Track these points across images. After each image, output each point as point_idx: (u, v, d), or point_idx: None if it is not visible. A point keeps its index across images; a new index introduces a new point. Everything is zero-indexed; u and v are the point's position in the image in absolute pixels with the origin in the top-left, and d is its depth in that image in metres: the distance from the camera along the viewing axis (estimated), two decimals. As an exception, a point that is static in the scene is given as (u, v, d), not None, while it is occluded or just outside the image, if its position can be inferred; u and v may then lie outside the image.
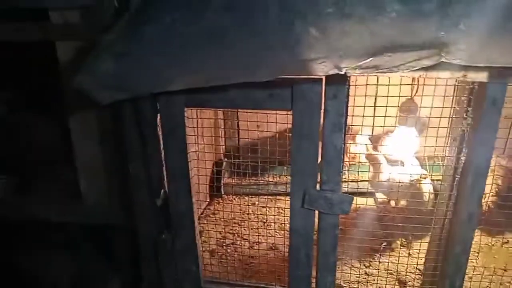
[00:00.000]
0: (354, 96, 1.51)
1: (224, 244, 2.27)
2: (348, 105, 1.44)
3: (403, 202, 2.33)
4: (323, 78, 1.32)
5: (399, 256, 2.02)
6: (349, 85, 1.40)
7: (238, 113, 2.79)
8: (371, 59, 1.09)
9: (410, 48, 1.07)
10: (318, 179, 1.50)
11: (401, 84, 1.54)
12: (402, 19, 1.04)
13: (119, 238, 1.94)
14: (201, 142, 2.27)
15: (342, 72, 1.17)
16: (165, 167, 1.54)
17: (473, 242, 1.67)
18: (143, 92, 1.31)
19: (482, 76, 1.25)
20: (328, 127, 1.40)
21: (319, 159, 1.47)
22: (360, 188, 2.46)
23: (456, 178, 1.47)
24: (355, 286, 1.86)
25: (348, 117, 1.40)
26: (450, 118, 1.55)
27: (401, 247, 2.20)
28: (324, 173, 1.48)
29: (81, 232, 1.99)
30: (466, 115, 1.39)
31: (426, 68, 1.18)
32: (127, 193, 1.69)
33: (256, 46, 1.14)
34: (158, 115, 1.47)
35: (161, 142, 1.51)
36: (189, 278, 1.75)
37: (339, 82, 1.31)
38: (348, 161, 2.67)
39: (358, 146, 2.60)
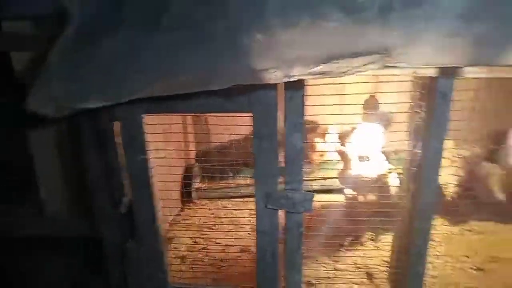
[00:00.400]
0: (319, 95, 1.53)
1: (195, 249, 2.25)
2: (306, 104, 1.47)
3: (371, 197, 2.37)
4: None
5: (364, 249, 2.06)
6: (305, 86, 1.42)
7: (208, 117, 2.78)
8: (319, 66, 1.13)
9: (354, 54, 1.12)
10: (281, 179, 1.52)
11: (359, 82, 1.58)
12: (345, 27, 1.09)
13: (85, 248, 1.90)
14: (170, 147, 2.26)
15: (294, 80, 1.20)
16: (126, 175, 1.52)
17: (438, 232, 1.74)
18: (97, 104, 1.30)
19: (431, 72, 1.30)
20: (288, 128, 1.42)
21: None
22: (329, 185, 2.51)
23: (413, 170, 1.51)
24: (325, 282, 1.88)
25: (317, 115, 1.42)
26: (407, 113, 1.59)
27: (370, 241, 2.25)
28: (286, 173, 1.50)
29: (44, 244, 1.94)
30: (418, 109, 1.43)
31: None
32: (89, 203, 1.66)
33: (209, 58, 1.16)
34: (117, 122, 1.45)
35: (121, 149, 1.48)
36: (157, 285, 1.73)
37: (296, 84, 1.33)
38: (317, 159, 2.72)
39: (327, 144, 2.65)
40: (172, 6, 1.10)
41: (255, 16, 1.09)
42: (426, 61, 1.17)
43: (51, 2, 1.26)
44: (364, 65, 1.14)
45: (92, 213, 1.66)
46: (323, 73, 1.15)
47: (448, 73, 1.29)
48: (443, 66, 1.22)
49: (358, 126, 2.49)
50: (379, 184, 2.27)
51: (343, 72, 1.15)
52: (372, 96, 2.21)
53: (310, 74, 1.16)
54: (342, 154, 2.36)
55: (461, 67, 1.27)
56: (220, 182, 2.67)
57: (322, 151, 2.62)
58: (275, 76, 1.16)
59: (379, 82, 2.08)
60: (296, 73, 1.16)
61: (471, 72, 1.29)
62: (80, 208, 1.78)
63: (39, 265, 1.98)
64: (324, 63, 1.12)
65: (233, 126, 1.62)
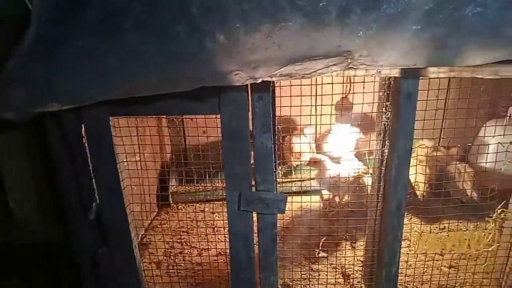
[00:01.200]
0: (292, 96, 1.54)
1: (171, 254, 2.23)
2: (276, 105, 1.48)
3: (346, 198, 2.40)
4: (248, 83, 1.34)
5: (337, 250, 2.07)
6: (274, 87, 1.43)
7: (184, 119, 2.76)
8: (282, 68, 1.14)
9: (317, 57, 1.13)
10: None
11: (332, 83, 1.59)
12: (306, 31, 1.10)
13: (57, 255, 1.86)
14: (145, 150, 2.24)
15: (258, 81, 1.22)
16: (95, 180, 1.49)
17: (413, 231, 1.76)
18: (57, 108, 1.28)
19: (395, 72, 1.32)
20: (257, 128, 1.42)
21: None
22: (306, 187, 2.52)
23: (382, 170, 1.53)
24: (301, 284, 1.88)
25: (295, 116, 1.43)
26: (375, 113, 1.61)
27: (345, 241, 2.27)
28: (258, 174, 1.50)
29: (15, 253, 1.89)
30: (385, 109, 1.46)
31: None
32: (60, 209, 1.63)
33: (173, 60, 1.16)
34: (83, 125, 1.42)
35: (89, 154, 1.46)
36: (131, 291, 1.70)
37: (264, 85, 1.33)
38: (294, 161, 2.73)
39: (303, 145, 2.66)
40: (133, 9, 1.09)
41: (217, 20, 1.10)
42: (388, 62, 1.19)
43: (11, 5, 1.23)
44: (327, 67, 1.15)
45: (63, 220, 1.63)
46: (287, 75, 1.17)
47: (412, 73, 1.31)
48: (405, 68, 1.24)
49: (333, 127, 2.52)
50: (354, 184, 2.30)
51: (307, 74, 1.17)
52: (345, 97, 2.23)
53: (274, 76, 1.17)
54: (316, 162, 2.37)
55: (424, 68, 1.29)
56: (197, 185, 2.65)
57: (299, 153, 2.64)
58: (240, 78, 1.17)
59: (352, 83, 2.11)
60: (260, 75, 1.17)
61: (434, 72, 1.32)
62: (51, 215, 1.74)
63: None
64: (286, 66, 1.14)
65: (211, 128, 1.62)
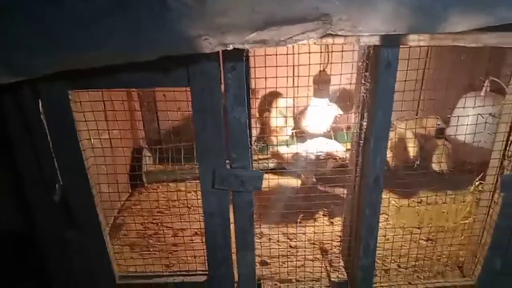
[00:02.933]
0: (267, 66, 1.46)
1: (146, 235, 2.16)
2: (250, 77, 1.39)
3: (323, 173, 2.36)
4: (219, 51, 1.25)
5: (318, 225, 2.05)
6: (247, 56, 1.34)
7: (156, 93, 2.63)
8: (255, 33, 1.05)
9: (293, 21, 1.05)
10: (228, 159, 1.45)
11: (310, 52, 1.51)
12: None
13: (22, 242, 1.76)
14: (115, 128, 2.12)
15: (229, 48, 1.12)
16: (56, 159, 1.39)
17: (390, 205, 1.74)
18: (7, 81, 1.16)
19: (375, 40, 1.26)
20: (230, 101, 1.34)
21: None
22: (283, 163, 2.47)
23: (361, 144, 1.49)
24: (279, 260, 1.85)
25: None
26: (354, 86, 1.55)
27: (323, 217, 2.25)
28: (232, 150, 1.43)
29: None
30: (364, 80, 1.40)
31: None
32: (20, 194, 1.52)
33: (131, 25, 1.04)
34: (40, 100, 1.30)
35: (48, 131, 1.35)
36: (102, 275, 1.63)
37: (237, 53, 1.24)
38: (272, 136, 2.67)
39: (278, 120, 2.59)
40: None
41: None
42: (368, 28, 1.13)
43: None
44: (304, 32, 1.07)
45: (26, 205, 1.53)
46: (260, 42, 1.08)
47: (392, 41, 1.25)
48: (386, 34, 1.18)
49: (310, 101, 2.45)
50: (331, 159, 2.27)
51: (283, 41, 1.08)
52: (323, 71, 2.16)
53: (246, 42, 1.08)
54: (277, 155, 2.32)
55: (405, 35, 1.24)
56: (172, 164, 2.55)
57: (275, 127, 2.57)
58: (209, 44, 1.07)
59: (330, 52, 2.03)
60: (231, 41, 1.08)
61: (414, 40, 1.26)
62: (12, 201, 1.63)
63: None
64: (260, 30, 1.05)
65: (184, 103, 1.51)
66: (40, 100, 1.30)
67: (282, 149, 2.33)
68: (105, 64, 1.10)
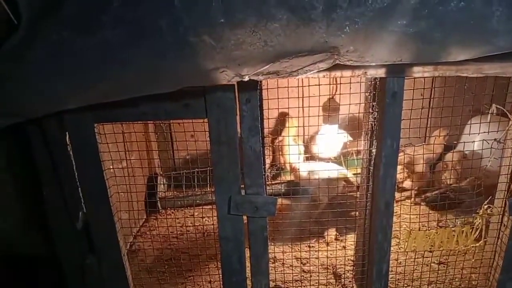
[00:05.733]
0: (279, 98, 1.54)
1: (162, 260, 2.20)
2: (263, 108, 1.47)
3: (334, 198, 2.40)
4: (235, 83, 1.33)
5: (327, 250, 2.07)
6: (261, 89, 1.43)
7: (172, 124, 2.73)
8: (268, 65, 1.13)
9: (303, 53, 1.12)
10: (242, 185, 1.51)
11: (319, 84, 1.59)
12: (292, 26, 1.08)
13: (43, 268, 1.82)
14: (132, 157, 2.20)
15: (245, 79, 1.19)
16: (81, 188, 1.47)
17: (402, 228, 1.77)
18: (35, 114, 1.25)
19: (381, 72, 1.33)
20: (245, 132, 1.42)
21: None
22: (295, 187, 2.52)
23: (371, 170, 1.54)
24: (293, 285, 1.88)
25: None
26: (362, 114, 1.62)
27: (336, 241, 2.27)
28: (247, 177, 1.49)
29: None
30: (372, 109, 1.46)
31: (329, 69, 1.24)
32: (44, 220, 1.59)
33: (153, 57, 1.12)
34: (67, 133, 1.39)
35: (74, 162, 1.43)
36: (121, 300, 1.67)
37: (251, 86, 1.32)
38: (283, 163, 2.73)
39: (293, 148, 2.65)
40: (112, 2, 1.05)
41: (200, 15, 1.06)
42: (374, 58, 1.19)
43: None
44: (314, 63, 1.14)
45: (48, 231, 1.59)
46: (273, 73, 1.16)
47: (397, 72, 1.32)
48: (391, 64, 1.25)
49: (320, 128, 2.53)
50: (341, 184, 2.31)
51: (294, 72, 1.16)
52: (331, 98, 2.24)
53: (261, 73, 1.16)
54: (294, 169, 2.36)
55: (409, 66, 1.30)
56: (187, 190, 2.62)
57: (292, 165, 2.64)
58: (226, 76, 1.15)
59: (339, 84, 2.12)
60: (246, 73, 1.15)
61: (419, 72, 1.33)
62: (34, 225, 1.70)
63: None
64: (273, 62, 1.12)
65: (199, 133, 1.59)
66: (67, 133, 1.39)
67: (298, 164, 2.36)
68: (126, 97, 1.18)
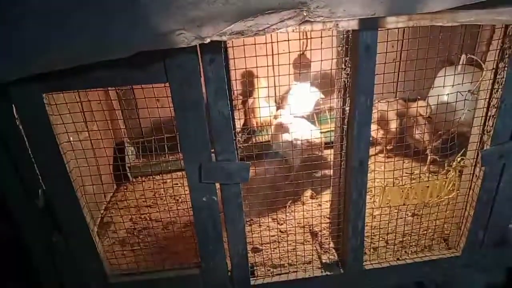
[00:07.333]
0: (247, 57, 1.43)
1: (135, 231, 2.14)
2: (230, 68, 1.37)
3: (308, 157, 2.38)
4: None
5: (306, 209, 2.06)
6: (226, 47, 1.32)
7: (134, 90, 2.57)
8: (232, 25, 1.02)
9: (269, 11, 1.03)
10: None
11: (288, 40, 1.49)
12: None
13: (8, 247, 1.73)
14: (94, 127, 2.07)
15: (207, 42, 1.09)
16: (37, 165, 1.35)
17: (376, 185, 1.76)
18: None
19: (353, 24, 1.25)
20: (211, 95, 1.32)
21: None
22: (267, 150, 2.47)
23: (344, 128, 1.50)
24: (270, 246, 1.88)
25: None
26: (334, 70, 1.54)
27: (311, 199, 2.28)
28: (217, 144, 1.42)
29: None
30: (344, 65, 1.39)
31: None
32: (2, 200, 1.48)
33: (101, 21, 0.99)
34: (13, 106, 1.25)
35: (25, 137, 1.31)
36: (94, 276, 1.62)
37: (214, 45, 1.21)
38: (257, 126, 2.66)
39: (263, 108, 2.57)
40: None
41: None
42: (346, 13, 1.11)
43: None
44: (281, 21, 1.05)
45: (9, 211, 1.49)
46: (237, 33, 1.06)
47: (370, 25, 1.25)
48: (365, 17, 1.17)
49: (292, 87, 2.44)
50: (314, 143, 2.28)
51: (260, 31, 1.06)
52: (302, 54, 2.14)
53: (223, 34, 1.06)
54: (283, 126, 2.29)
55: (383, 17, 1.23)
56: (157, 157, 2.52)
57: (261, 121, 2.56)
58: (184, 38, 1.04)
59: (309, 38, 2.01)
60: (207, 34, 1.05)
61: (392, 22, 1.26)
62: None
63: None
64: (236, 22, 1.02)
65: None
66: (13, 106, 1.26)
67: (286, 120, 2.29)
68: (73, 65, 1.05)
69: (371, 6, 1.12)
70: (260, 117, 2.53)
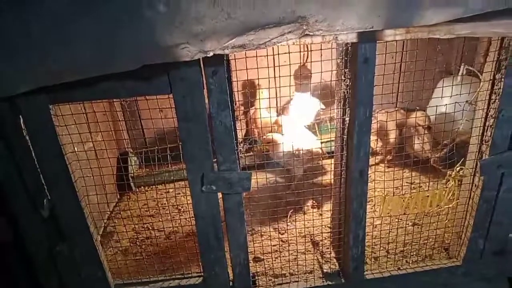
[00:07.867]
0: (249, 68, 1.46)
1: (138, 240, 2.16)
2: (232, 80, 1.40)
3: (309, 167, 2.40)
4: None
5: (305, 220, 2.08)
6: (228, 60, 1.35)
7: (138, 101, 2.61)
8: (234, 39, 1.06)
9: (270, 25, 1.06)
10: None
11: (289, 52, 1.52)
12: None
13: (13, 255, 1.75)
14: (98, 138, 2.11)
15: (210, 55, 1.12)
16: (42, 175, 1.38)
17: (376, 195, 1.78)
18: None
19: (352, 37, 1.28)
20: (214, 106, 1.35)
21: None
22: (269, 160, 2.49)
23: (344, 138, 1.52)
24: (271, 256, 1.89)
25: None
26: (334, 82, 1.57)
27: (312, 209, 2.29)
28: (219, 154, 1.44)
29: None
30: (344, 76, 1.42)
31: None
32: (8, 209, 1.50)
33: (107, 35, 1.03)
34: (21, 117, 1.28)
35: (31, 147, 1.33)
36: (97, 285, 1.63)
37: (217, 59, 1.24)
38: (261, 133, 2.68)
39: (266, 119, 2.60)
40: None
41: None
42: (344, 27, 1.14)
43: None
44: (282, 35, 1.09)
45: (14, 221, 1.51)
46: (239, 47, 1.09)
47: (369, 37, 1.28)
48: (363, 31, 1.20)
49: (293, 97, 2.48)
50: (315, 154, 2.30)
51: (261, 44, 1.10)
52: (303, 66, 2.18)
53: (226, 48, 1.09)
54: (270, 142, 2.32)
55: (381, 30, 1.26)
56: (159, 167, 2.55)
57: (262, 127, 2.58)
58: (188, 52, 1.07)
59: (310, 51, 2.05)
60: (210, 48, 1.08)
61: (390, 35, 1.29)
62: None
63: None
64: (238, 36, 1.05)
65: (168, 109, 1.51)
66: (21, 117, 1.29)
67: (275, 136, 2.31)
68: (85, 76, 1.09)
69: (368, 19, 1.15)
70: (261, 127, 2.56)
